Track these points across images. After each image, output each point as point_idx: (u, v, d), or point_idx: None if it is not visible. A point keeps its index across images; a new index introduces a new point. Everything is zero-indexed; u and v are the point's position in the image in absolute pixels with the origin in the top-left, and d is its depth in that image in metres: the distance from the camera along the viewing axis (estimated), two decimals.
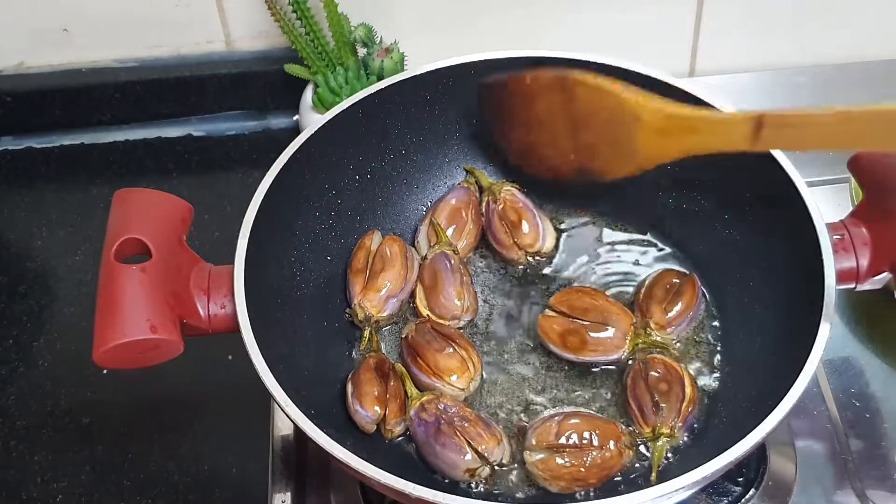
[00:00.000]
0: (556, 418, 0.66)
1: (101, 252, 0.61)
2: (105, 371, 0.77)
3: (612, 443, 0.64)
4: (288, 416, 0.58)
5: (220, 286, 0.63)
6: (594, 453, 0.63)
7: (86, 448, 0.76)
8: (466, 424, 0.64)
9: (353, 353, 0.72)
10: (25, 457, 0.76)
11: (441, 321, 0.72)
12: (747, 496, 0.69)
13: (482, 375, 0.70)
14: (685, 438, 0.66)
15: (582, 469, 0.63)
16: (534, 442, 0.65)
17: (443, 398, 0.66)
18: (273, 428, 0.74)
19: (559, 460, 0.63)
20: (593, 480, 0.64)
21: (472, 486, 0.64)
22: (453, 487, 0.65)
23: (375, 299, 0.72)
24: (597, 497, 0.63)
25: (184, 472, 0.74)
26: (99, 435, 0.77)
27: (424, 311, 0.73)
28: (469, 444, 0.63)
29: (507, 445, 0.65)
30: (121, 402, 0.79)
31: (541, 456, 0.64)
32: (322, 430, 0.57)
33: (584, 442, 0.64)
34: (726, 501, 0.69)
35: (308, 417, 0.58)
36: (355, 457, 0.56)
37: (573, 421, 0.65)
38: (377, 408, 0.65)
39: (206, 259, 0.66)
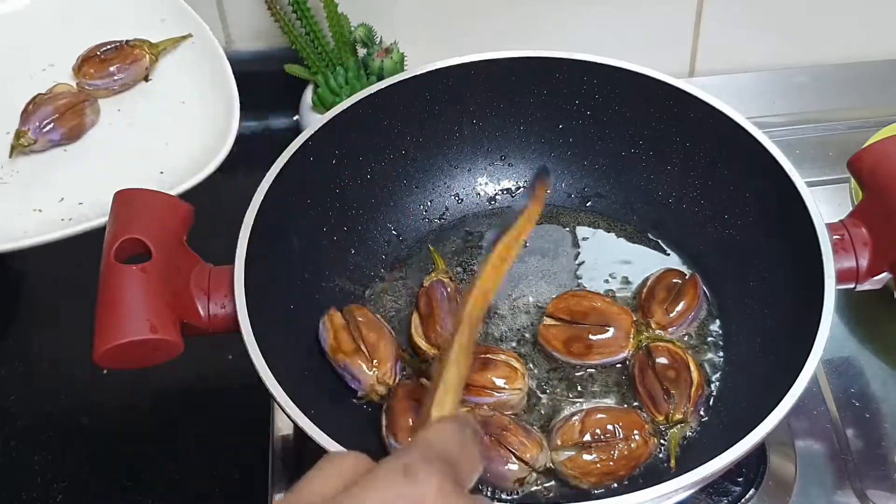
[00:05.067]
0: (578, 416, 0.66)
1: (101, 252, 0.61)
2: (105, 371, 0.77)
3: (636, 433, 0.64)
4: (288, 416, 0.58)
5: (220, 286, 0.63)
6: (621, 445, 0.64)
7: (86, 448, 0.76)
8: (507, 433, 0.63)
9: None
10: (25, 457, 0.76)
11: (436, 350, 0.69)
12: (747, 496, 0.69)
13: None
14: (695, 425, 0.67)
15: (611, 462, 0.63)
16: (559, 442, 0.64)
17: (477, 409, 0.65)
18: (273, 428, 0.74)
19: (587, 456, 0.63)
20: (623, 472, 0.64)
21: (515, 493, 0.64)
22: None
23: (389, 370, 0.68)
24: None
25: (184, 473, 0.74)
26: (99, 435, 0.77)
27: (422, 343, 0.70)
28: (514, 455, 0.63)
29: (547, 449, 0.65)
30: (121, 402, 0.79)
31: (569, 454, 0.64)
32: (322, 429, 0.57)
33: (609, 435, 0.64)
34: (726, 501, 0.69)
35: (308, 417, 0.58)
36: None
37: (596, 417, 0.65)
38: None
39: (206, 259, 0.66)
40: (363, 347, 0.68)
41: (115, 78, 0.81)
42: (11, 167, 0.76)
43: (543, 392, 0.69)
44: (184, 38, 0.84)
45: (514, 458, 0.63)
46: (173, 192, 0.71)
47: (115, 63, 0.82)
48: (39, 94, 0.79)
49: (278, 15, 0.91)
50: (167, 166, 0.74)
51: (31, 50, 0.85)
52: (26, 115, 0.78)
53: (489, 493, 0.64)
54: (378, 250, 0.78)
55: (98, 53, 0.82)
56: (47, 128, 0.77)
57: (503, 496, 0.64)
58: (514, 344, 0.72)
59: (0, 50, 0.85)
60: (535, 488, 0.64)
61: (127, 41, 0.83)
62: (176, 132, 0.77)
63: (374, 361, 0.67)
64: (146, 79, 0.82)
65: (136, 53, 0.82)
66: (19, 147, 0.76)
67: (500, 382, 0.66)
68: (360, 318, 0.70)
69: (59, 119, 0.77)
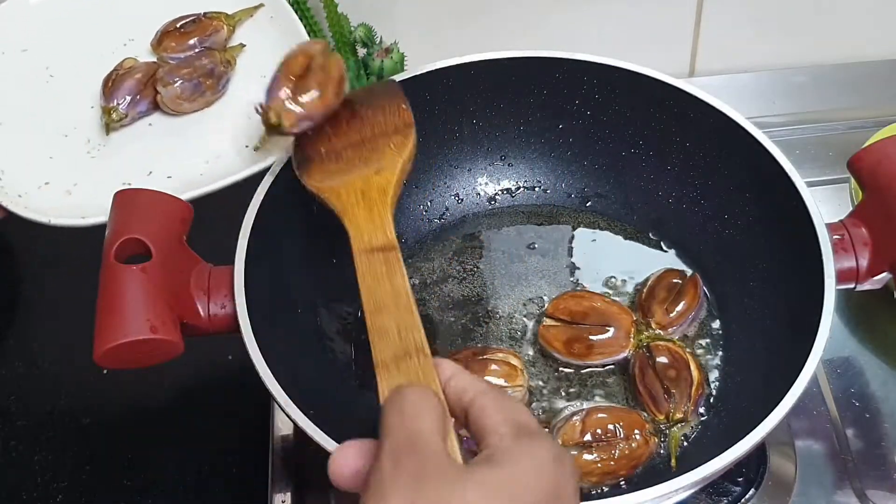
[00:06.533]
0: (578, 416, 0.66)
1: (101, 252, 0.61)
2: (105, 371, 0.77)
3: (637, 432, 0.65)
4: (288, 416, 0.58)
5: (220, 286, 0.63)
6: (622, 445, 0.64)
7: (86, 448, 0.76)
8: None
9: (354, 355, 0.72)
10: (25, 457, 0.76)
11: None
12: (747, 496, 0.69)
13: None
14: (695, 425, 0.67)
15: (612, 462, 0.64)
16: (560, 441, 0.65)
17: None
18: (273, 428, 0.74)
19: (587, 456, 0.64)
20: (623, 472, 0.64)
21: None
22: None
23: (293, 114, 0.65)
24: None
25: (184, 473, 0.74)
26: (99, 435, 0.77)
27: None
28: None
29: None
30: (121, 402, 0.79)
31: (570, 454, 0.64)
32: (322, 429, 0.57)
33: (610, 435, 0.64)
34: (726, 501, 0.69)
35: (308, 417, 0.58)
36: None
37: (597, 416, 0.65)
38: None
39: (206, 259, 0.66)
40: (294, 78, 0.66)
41: (196, 51, 0.81)
42: (98, 141, 0.76)
43: (544, 392, 0.70)
44: (256, 7, 0.84)
45: None
46: (259, 167, 0.71)
47: (194, 36, 0.82)
48: (115, 71, 0.79)
49: None
50: (254, 139, 0.74)
51: (110, 27, 0.85)
52: (109, 90, 0.77)
53: None
54: None
55: (177, 27, 0.82)
56: (135, 100, 0.77)
57: None
58: (514, 345, 0.72)
59: (79, 27, 0.85)
60: None
61: (205, 13, 0.83)
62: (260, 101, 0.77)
63: (296, 94, 0.65)
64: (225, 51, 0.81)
65: (214, 25, 0.82)
66: (112, 123, 0.76)
67: (500, 382, 0.66)
68: (317, 60, 0.67)
69: (143, 91, 0.77)
